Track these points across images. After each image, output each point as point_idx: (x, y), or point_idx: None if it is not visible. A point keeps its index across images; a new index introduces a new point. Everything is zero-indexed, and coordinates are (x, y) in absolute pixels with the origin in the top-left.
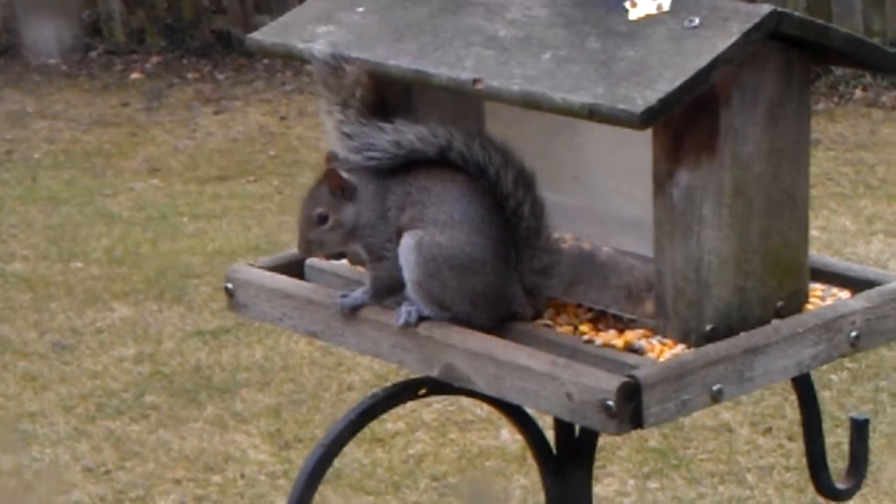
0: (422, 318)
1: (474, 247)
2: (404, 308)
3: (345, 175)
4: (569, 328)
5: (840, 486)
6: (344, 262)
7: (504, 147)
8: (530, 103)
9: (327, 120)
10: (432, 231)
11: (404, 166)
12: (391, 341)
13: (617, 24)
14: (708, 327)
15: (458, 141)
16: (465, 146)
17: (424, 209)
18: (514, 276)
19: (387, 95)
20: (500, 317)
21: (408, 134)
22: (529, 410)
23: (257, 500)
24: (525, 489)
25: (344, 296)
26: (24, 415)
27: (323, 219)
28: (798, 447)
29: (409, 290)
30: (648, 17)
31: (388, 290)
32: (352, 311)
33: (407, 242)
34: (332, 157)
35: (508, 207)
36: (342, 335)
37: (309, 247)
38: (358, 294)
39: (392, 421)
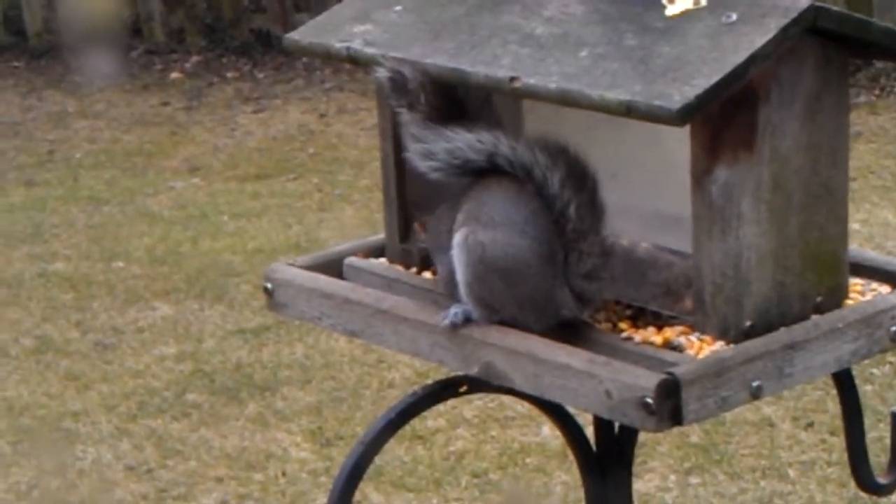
0: (468, 321)
1: (518, 248)
2: (452, 309)
3: None
4: (608, 325)
5: (881, 480)
6: (382, 260)
7: (553, 147)
8: (567, 101)
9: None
10: (476, 230)
11: (478, 174)
12: (430, 340)
13: (654, 20)
14: (747, 323)
15: (503, 145)
16: (509, 149)
17: (475, 209)
18: (562, 279)
19: (463, 101)
20: (548, 321)
21: (458, 142)
22: (569, 408)
23: (299, 497)
24: (566, 485)
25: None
26: (67, 414)
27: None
28: (840, 442)
29: (461, 290)
30: (685, 13)
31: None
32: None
33: (456, 241)
34: None
35: (555, 209)
36: (381, 334)
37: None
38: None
39: (433, 418)
